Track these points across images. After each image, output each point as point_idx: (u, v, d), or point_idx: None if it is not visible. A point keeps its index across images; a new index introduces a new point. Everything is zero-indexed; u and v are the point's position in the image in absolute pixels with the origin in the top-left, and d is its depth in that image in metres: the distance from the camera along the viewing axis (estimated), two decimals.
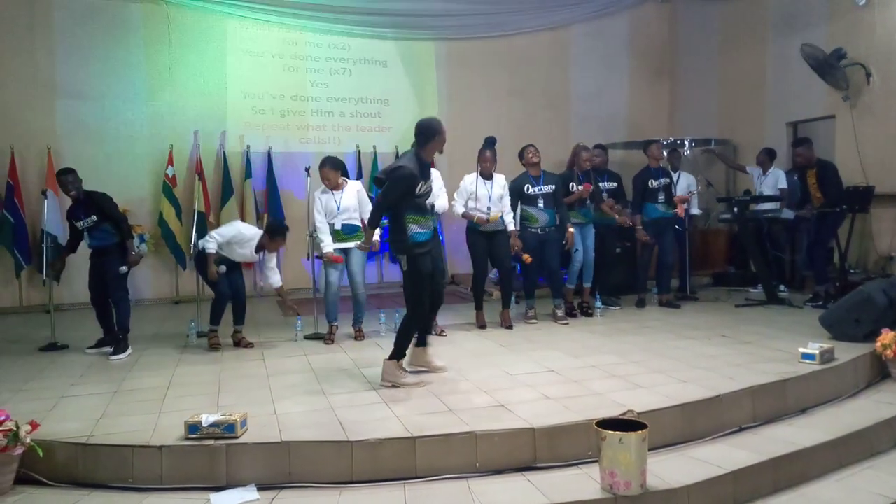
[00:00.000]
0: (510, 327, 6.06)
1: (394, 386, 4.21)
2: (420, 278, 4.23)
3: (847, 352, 4.69)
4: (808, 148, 6.85)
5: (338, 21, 9.14)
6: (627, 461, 2.92)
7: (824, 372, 4.36)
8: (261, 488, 3.16)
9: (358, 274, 5.62)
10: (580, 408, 3.67)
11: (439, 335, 5.82)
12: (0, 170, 7.71)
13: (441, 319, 5.98)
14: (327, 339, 5.65)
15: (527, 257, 5.98)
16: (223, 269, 5.40)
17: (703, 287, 8.18)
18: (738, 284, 8.04)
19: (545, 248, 6.22)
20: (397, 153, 8.85)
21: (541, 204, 6.15)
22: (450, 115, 9.53)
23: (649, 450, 3.05)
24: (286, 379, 4.52)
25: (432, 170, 5.84)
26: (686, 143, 9.22)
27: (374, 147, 9.16)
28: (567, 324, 6.21)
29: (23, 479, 3.27)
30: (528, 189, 6.16)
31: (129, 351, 5.37)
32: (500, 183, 6.01)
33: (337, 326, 5.72)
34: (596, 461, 3.11)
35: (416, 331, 4.42)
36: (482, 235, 6.00)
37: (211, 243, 5.34)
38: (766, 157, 7.88)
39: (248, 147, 8.68)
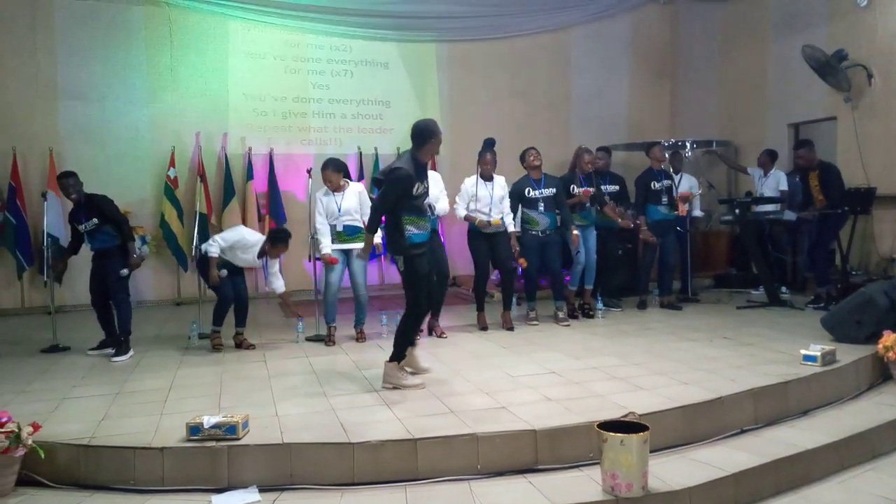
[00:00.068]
0: (511, 329, 6.06)
1: (395, 388, 4.21)
2: (417, 279, 4.24)
3: (849, 354, 4.69)
4: (809, 150, 6.85)
5: (339, 23, 9.15)
6: (629, 463, 2.92)
7: (826, 374, 4.36)
8: (262, 490, 3.16)
9: (359, 275, 5.63)
10: (581, 409, 3.67)
11: (440, 337, 5.82)
12: (2, 171, 7.73)
13: (442, 321, 6.00)
14: (327, 340, 5.66)
15: (522, 261, 5.99)
16: (224, 273, 5.41)
17: (705, 289, 8.17)
18: (740, 286, 8.04)
19: (546, 251, 6.22)
20: (398, 155, 8.83)
21: (542, 207, 6.15)
22: (451, 116, 9.56)
23: (651, 452, 3.05)
24: (288, 381, 4.52)
25: (433, 173, 5.89)
26: (687, 144, 9.22)
27: (376, 149, 9.16)
28: (568, 325, 6.22)
29: (24, 481, 3.27)
30: (528, 192, 6.16)
31: (131, 353, 5.37)
32: (500, 184, 6.03)
33: (335, 328, 5.72)
34: (597, 463, 3.11)
35: (414, 332, 4.42)
36: (484, 237, 6.01)
37: (214, 247, 5.34)
38: (768, 159, 7.88)
39: (250, 149, 8.69)
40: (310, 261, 6.36)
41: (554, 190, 6.20)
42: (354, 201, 5.56)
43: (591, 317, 6.57)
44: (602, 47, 10.28)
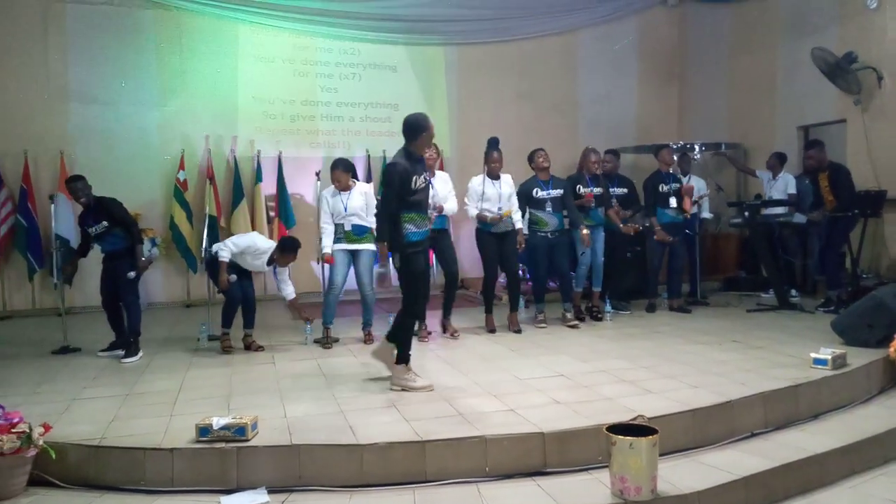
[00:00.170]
0: (518, 331, 6.05)
1: (403, 389, 4.22)
2: (413, 278, 4.25)
3: (859, 357, 4.65)
4: (819, 150, 6.80)
5: (348, 26, 9.19)
6: (638, 466, 2.91)
7: (836, 378, 4.33)
8: (271, 491, 3.17)
9: (365, 275, 5.64)
10: (590, 412, 3.66)
11: (452, 336, 5.83)
12: (14, 174, 7.80)
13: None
14: (324, 343, 5.66)
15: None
16: (234, 277, 5.43)
17: (714, 292, 8.14)
18: (750, 289, 8.01)
19: (554, 252, 6.22)
20: None
21: (549, 208, 6.15)
22: (459, 119, 9.59)
23: (660, 455, 3.04)
24: (296, 382, 4.53)
25: (441, 172, 5.91)
26: (696, 147, 9.19)
27: (384, 151, 9.17)
28: (577, 326, 6.20)
29: (36, 481, 3.29)
30: (536, 193, 6.16)
31: (141, 354, 5.40)
32: (507, 182, 6.05)
33: (331, 329, 5.72)
34: (606, 466, 3.10)
35: (411, 329, 4.44)
36: (493, 237, 6.01)
37: (225, 252, 5.36)
38: (777, 162, 7.85)
39: (259, 152, 8.72)
40: (318, 262, 6.38)
41: (561, 191, 6.20)
42: (361, 201, 5.58)
43: (600, 320, 6.56)
44: (610, 50, 10.26)
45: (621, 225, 6.71)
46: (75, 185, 5.47)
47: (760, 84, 9.02)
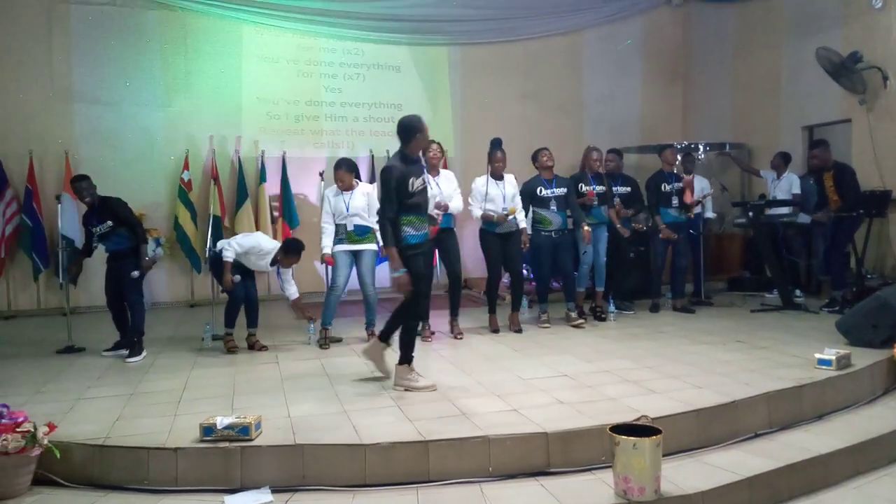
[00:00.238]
0: (519, 330, 6.05)
1: (407, 389, 4.22)
2: (414, 279, 4.23)
3: (864, 358, 4.64)
4: (824, 150, 6.78)
5: (352, 27, 9.20)
6: (641, 467, 2.91)
7: (841, 378, 4.32)
8: (275, 491, 3.17)
9: (367, 275, 5.65)
10: (594, 413, 3.66)
11: (456, 338, 5.83)
12: (19, 175, 7.82)
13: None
14: (322, 343, 5.66)
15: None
16: (238, 278, 5.44)
17: (718, 292, 8.13)
18: (754, 289, 7.99)
19: (558, 252, 6.22)
20: None
21: (553, 206, 6.15)
22: (463, 119, 9.59)
23: (664, 455, 3.04)
24: (300, 382, 4.54)
25: (446, 171, 5.91)
26: (700, 146, 9.18)
27: (388, 152, 9.12)
28: (582, 326, 6.20)
29: (40, 480, 3.30)
30: (540, 191, 6.16)
31: (144, 354, 5.41)
32: (511, 182, 6.06)
33: (329, 330, 5.73)
34: (610, 466, 3.09)
35: (415, 331, 4.44)
36: (497, 237, 6.01)
37: (229, 252, 5.37)
38: (781, 162, 7.84)
39: (263, 152, 8.74)
40: (321, 262, 6.40)
41: (565, 190, 6.20)
42: (363, 201, 5.58)
43: (603, 320, 6.55)
44: (614, 49, 10.25)
45: (618, 225, 6.68)
46: (80, 184, 5.49)
47: (765, 84, 9.00)
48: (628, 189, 7.18)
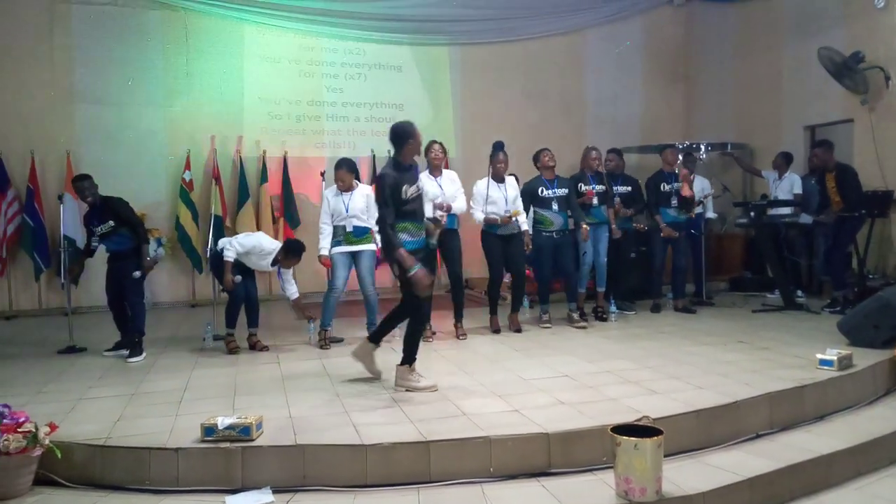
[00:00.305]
0: (519, 330, 6.06)
1: (408, 390, 4.22)
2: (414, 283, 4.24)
3: (865, 358, 4.63)
4: (825, 150, 6.77)
5: (353, 27, 9.20)
6: (643, 467, 2.90)
7: (842, 378, 4.31)
8: (276, 491, 3.17)
9: (367, 276, 5.65)
10: (595, 413, 3.66)
11: (459, 338, 5.83)
12: (20, 174, 7.83)
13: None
14: (322, 343, 5.66)
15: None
16: (239, 278, 5.44)
17: (720, 292, 8.12)
18: (755, 289, 7.99)
19: (560, 252, 6.22)
20: None
21: (555, 207, 6.16)
22: (464, 119, 9.59)
23: (665, 456, 3.04)
24: (301, 382, 4.54)
25: (449, 171, 5.90)
26: (702, 146, 9.17)
27: (389, 152, 9.01)
28: (584, 327, 6.20)
29: (41, 481, 3.30)
30: (541, 192, 6.16)
31: (144, 355, 5.40)
32: (512, 185, 6.07)
33: (328, 331, 5.73)
34: (611, 467, 3.09)
35: (420, 334, 4.43)
36: (499, 239, 6.01)
37: (230, 252, 5.37)
38: (783, 162, 7.83)
39: (264, 152, 8.74)
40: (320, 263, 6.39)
41: (566, 190, 6.21)
42: (362, 203, 5.58)
43: (605, 320, 6.55)
44: (615, 49, 10.24)
45: (613, 226, 6.65)
46: (82, 184, 5.49)
47: (767, 84, 8.99)
48: (628, 189, 7.18)
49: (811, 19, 8.25)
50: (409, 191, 4.21)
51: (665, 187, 6.93)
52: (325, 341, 5.68)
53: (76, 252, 6.46)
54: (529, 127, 9.33)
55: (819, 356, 4.48)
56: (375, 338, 4.49)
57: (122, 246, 5.50)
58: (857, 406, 4.28)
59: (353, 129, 9.29)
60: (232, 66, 8.75)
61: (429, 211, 5.09)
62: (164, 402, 4.13)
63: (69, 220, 6.99)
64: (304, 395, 4.19)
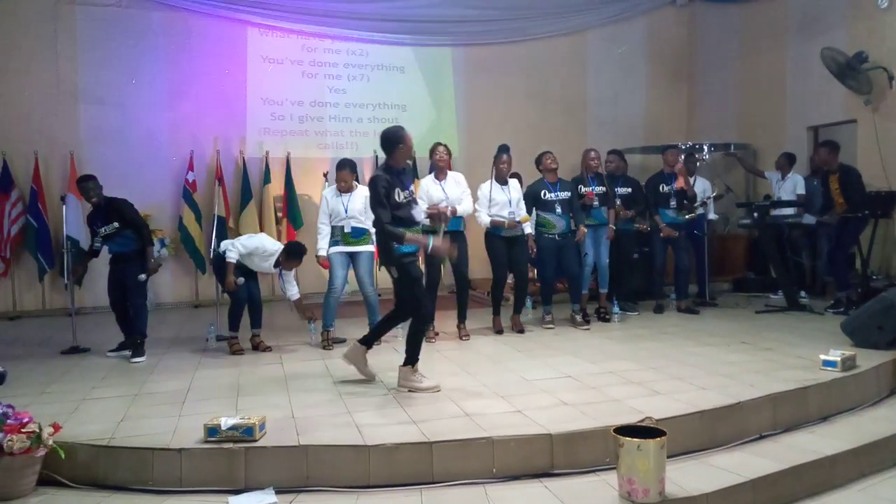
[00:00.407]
0: (522, 331, 6.07)
1: (410, 390, 4.22)
2: (411, 280, 4.28)
3: (869, 359, 4.62)
4: (829, 151, 6.74)
5: (356, 28, 9.20)
6: (646, 468, 2.90)
7: (846, 379, 4.30)
8: (279, 491, 3.17)
9: (366, 277, 5.65)
10: (598, 414, 3.65)
11: (461, 339, 5.83)
12: (24, 175, 7.86)
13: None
14: (325, 344, 5.67)
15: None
16: (241, 280, 5.45)
17: (723, 293, 8.11)
18: (758, 290, 7.97)
19: (563, 254, 6.21)
20: (414, 159, 8.87)
21: (558, 210, 6.15)
22: (467, 120, 9.60)
23: (668, 457, 3.03)
24: (304, 383, 4.54)
25: (454, 173, 5.89)
26: (705, 147, 9.16)
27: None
28: (588, 329, 6.19)
29: (45, 481, 3.31)
30: (545, 195, 6.16)
31: (145, 357, 5.39)
32: (515, 187, 6.08)
33: (331, 331, 5.73)
34: (614, 468, 3.08)
35: (423, 334, 4.43)
36: (503, 240, 6.01)
37: (232, 253, 5.38)
38: (786, 162, 7.82)
39: (267, 153, 8.75)
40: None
41: (569, 193, 6.21)
42: (361, 204, 5.58)
43: (608, 321, 6.54)
44: (618, 50, 10.23)
45: (611, 226, 6.61)
46: (87, 184, 5.50)
47: (770, 84, 8.98)
48: (628, 190, 7.16)
49: (814, 19, 8.24)
50: (401, 195, 4.23)
51: (664, 188, 6.95)
52: (328, 342, 5.69)
53: (80, 253, 6.47)
54: (531, 128, 9.33)
55: (822, 357, 4.46)
56: (367, 340, 4.50)
57: (126, 248, 5.51)
58: (861, 407, 4.27)
59: (355, 130, 9.30)
60: (235, 68, 8.76)
61: (421, 215, 5.08)
62: (168, 402, 4.14)
63: (73, 220, 7.00)
64: (307, 396, 4.19)
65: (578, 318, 6.33)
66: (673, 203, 6.92)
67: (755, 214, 7.26)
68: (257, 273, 5.71)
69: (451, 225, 5.53)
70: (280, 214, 8.70)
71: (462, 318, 5.97)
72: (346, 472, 3.26)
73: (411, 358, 4.31)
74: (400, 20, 9.30)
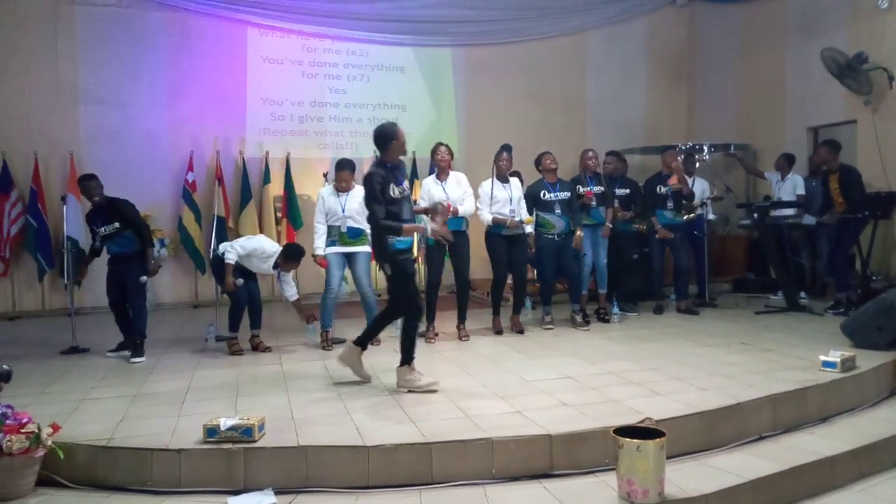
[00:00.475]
0: (521, 332, 6.06)
1: (410, 391, 4.22)
2: (405, 278, 4.31)
3: (869, 360, 4.62)
4: (829, 150, 6.74)
5: (356, 28, 9.20)
6: (645, 469, 2.90)
7: (846, 380, 4.30)
8: (278, 492, 3.17)
9: (363, 277, 5.65)
10: (597, 415, 3.65)
11: (461, 340, 5.83)
12: (24, 175, 7.86)
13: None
14: (324, 345, 5.67)
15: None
16: (241, 281, 5.45)
17: (723, 293, 8.11)
18: (758, 291, 7.97)
19: (562, 254, 6.21)
20: (415, 159, 8.89)
21: (557, 210, 6.15)
22: (467, 120, 9.60)
23: (667, 458, 3.03)
24: (303, 383, 4.54)
25: (456, 173, 5.89)
26: (705, 147, 9.16)
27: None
28: (588, 329, 6.19)
29: (44, 482, 3.30)
30: (544, 195, 6.16)
31: (144, 357, 5.39)
32: (516, 185, 6.09)
33: (329, 332, 5.73)
34: (613, 469, 3.08)
35: (415, 331, 4.43)
36: (503, 240, 6.01)
37: (231, 254, 5.38)
38: (785, 163, 7.82)
39: (267, 153, 8.75)
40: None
41: (569, 194, 6.21)
42: (358, 203, 5.57)
43: (607, 321, 6.54)
44: (618, 50, 10.23)
45: (608, 224, 6.61)
46: (89, 183, 5.50)
47: (770, 85, 8.98)
48: (627, 191, 7.15)
49: (814, 20, 8.24)
50: (395, 190, 4.24)
51: (661, 189, 6.95)
52: (327, 342, 5.68)
53: (80, 253, 6.46)
54: (532, 128, 9.33)
55: (822, 358, 4.46)
56: (362, 341, 4.49)
57: (126, 248, 5.51)
58: (861, 408, 4.27)
59: (355, 131, 9.29)
60: (234, 68, 8.76)
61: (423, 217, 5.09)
62: (167, 402, 4.14)
63: (72, 220, 6.99)
64: (307, 396, 4.19)
65: (578, 318, 6.33)
66: (670, 204, 6.92)
67: (755, 215, 7.26)
68: (256, 274, 5.70)
69: (453, 225, 5.52)
70: (280, 215, 8.70)
71: (462, 319, 5.97)
72: (345, 473, 3.26)
73: (407, 357, 4.32)
74: (399, 20, 9.30)
